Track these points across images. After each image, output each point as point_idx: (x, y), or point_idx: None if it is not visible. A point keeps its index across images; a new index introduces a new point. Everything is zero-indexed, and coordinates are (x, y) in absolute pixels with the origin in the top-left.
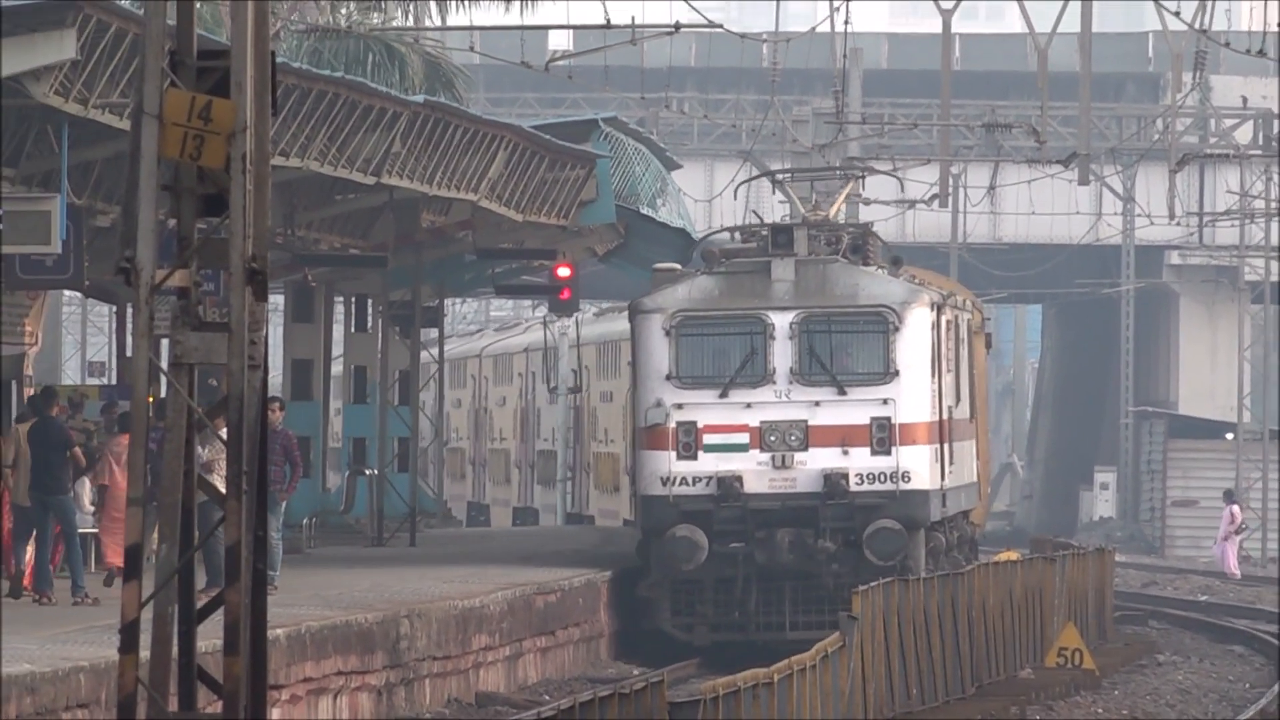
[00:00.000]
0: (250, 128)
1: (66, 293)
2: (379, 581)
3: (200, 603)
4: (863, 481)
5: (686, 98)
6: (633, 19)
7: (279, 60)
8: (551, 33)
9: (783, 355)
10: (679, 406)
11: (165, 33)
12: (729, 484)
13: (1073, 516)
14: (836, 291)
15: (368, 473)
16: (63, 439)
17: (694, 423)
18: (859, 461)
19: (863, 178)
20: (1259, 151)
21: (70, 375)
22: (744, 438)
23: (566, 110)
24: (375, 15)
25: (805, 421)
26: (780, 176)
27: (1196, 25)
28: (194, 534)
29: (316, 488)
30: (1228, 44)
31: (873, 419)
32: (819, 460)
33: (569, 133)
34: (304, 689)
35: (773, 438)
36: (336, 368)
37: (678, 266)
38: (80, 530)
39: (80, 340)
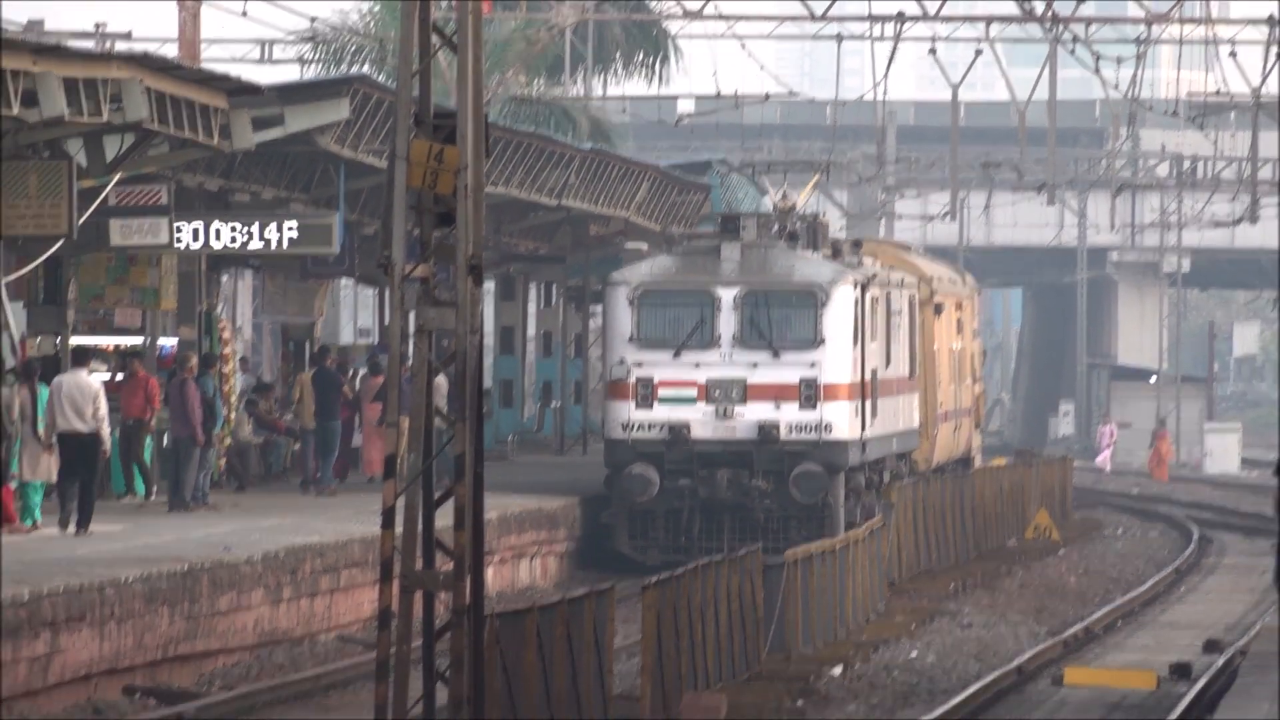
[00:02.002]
0: (469, 166)
1: (344, 280)
2: (560, 478)
3: (437, 494)
4: (791, 431)
5: (773, 145)
6: (735, 91)
7: (490, 120)
8: (679, 100)
9: (727, 323)
10: (639, 364)
11: (411, 100)
12: (679, 430)
13: (1044, 434)
14: (775, 271)
15: (553, 404)
16: (335, 382)
17: (651, 378)
18: (789, 414)
19: (826, 171)
20: (1173, 183)
21: (346, 337)
22: (693, 392)
23: (689, 154)
24: (556, 88)
25: (744, 380)
26: (758, 171)
27: (1129, 95)
28: (434, 446)
29: (518, 415)
30: (1151, 108)
31: (801, 379)
32: (755, 412)
33: (691, 170)
34: (509, 554)
35: (717, 392)
36: (531, 332)
37: (644, 246)
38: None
39: (353, 312)
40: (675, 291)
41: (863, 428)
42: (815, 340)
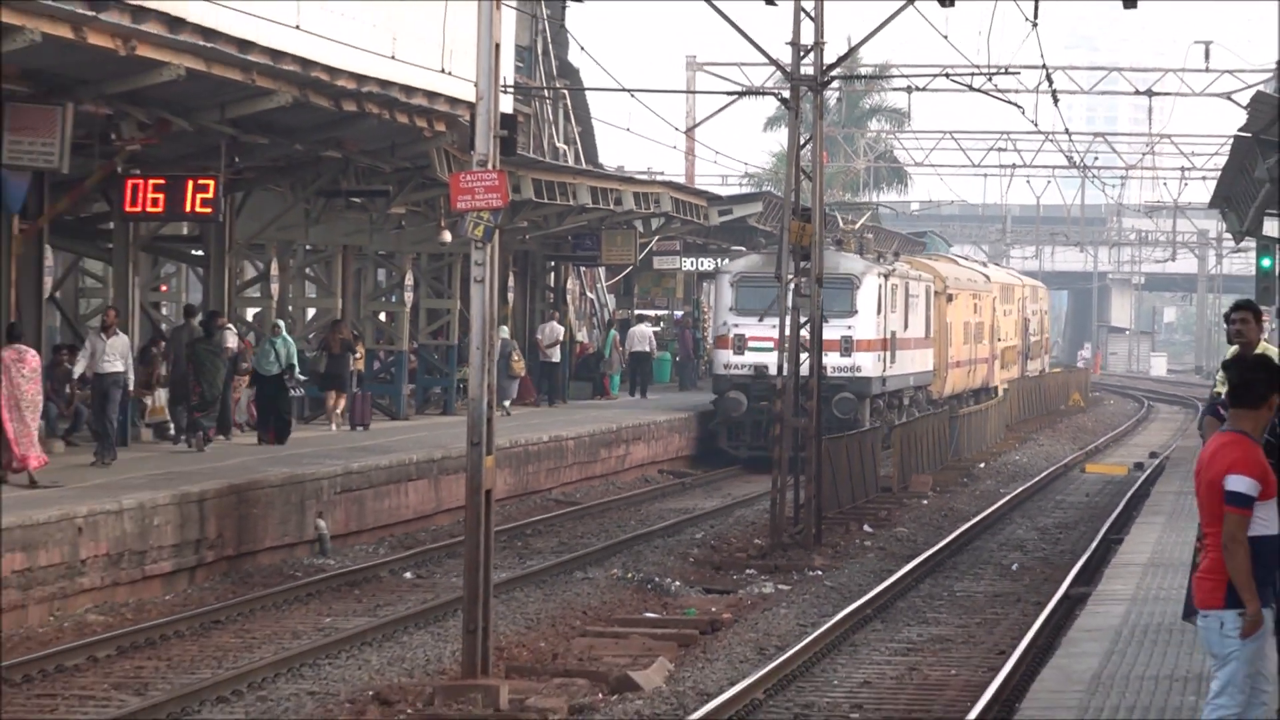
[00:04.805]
0: (816, 233)
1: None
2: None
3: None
4: (835, 371)
5: (954, 224)
6: (937, 199)
7: (829, 211)
8: (911, 203)
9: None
10: (735, 325)
11: (790, 204)
12: (761, 369)
13: (1074, 358)
14: (826, 266)
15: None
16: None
17: (743, 334)
18: (833, 360)
19: (876, 209)
20: (1137, 243)
21: None
22: (770, 344)
23: (915, 229)
24: (854, 196)
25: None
26: (836, 210)
27: (1118, 201)
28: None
29: None
30: (1127, 208)
31: (842, 337)
32: None
33: (916, 235)
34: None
35: (786, 345)
36: None
37: (743, 249)
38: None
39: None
40: (760, 277)
41: (884, 370)
42: (851, 311)
